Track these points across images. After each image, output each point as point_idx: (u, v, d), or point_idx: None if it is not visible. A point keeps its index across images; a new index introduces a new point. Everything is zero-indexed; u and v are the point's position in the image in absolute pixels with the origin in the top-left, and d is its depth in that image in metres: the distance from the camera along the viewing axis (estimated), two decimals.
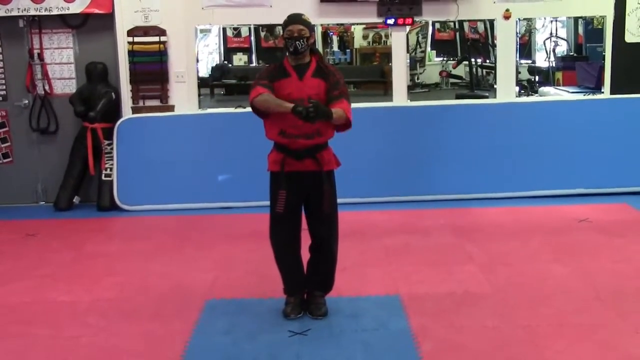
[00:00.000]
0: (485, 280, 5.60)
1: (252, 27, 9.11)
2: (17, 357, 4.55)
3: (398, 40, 8.52)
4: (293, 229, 4.93)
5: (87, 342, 4.72)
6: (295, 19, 4.81)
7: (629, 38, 8.49)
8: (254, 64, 10.14)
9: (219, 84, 9.73)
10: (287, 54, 4.83)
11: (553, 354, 4.31)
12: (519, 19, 8.53)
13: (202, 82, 8.75)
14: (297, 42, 4.72)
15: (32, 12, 8.22)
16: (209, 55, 9.19)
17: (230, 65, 10.03)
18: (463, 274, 5.76)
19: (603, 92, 8.63)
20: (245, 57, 10.13)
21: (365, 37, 9.86)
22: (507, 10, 8.39)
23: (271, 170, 4.91)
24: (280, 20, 8.17)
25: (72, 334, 4.87)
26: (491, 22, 8.65)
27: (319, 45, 9.53)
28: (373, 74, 9.86)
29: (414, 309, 5.03)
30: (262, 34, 9.48)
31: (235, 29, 9.35)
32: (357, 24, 8.92)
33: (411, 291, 5.39)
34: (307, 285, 5.06)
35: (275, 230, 4.94)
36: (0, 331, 4.94)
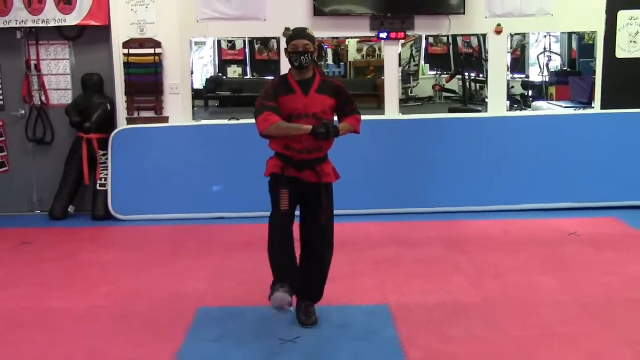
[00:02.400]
0: (474, 291, 5.65)
1: (246, 39, 9.17)
2: None
3: (390, 54, 8.60)
4: (290, 225, 4.94)
5: (83, 347, 4.77)
6: (300, 33, 4.86)
7: (620, 53, 8.57)
8: (248, 76, 10.17)
9: (213, 95, 9.77)
10: (291, 67, 4.87)
11: None
12: (510, 33, 8.61)
13: (196, 94, 8.81)
14: (302, 57, 4.76)
15: (30, 24, 8.29)
16: (203, 67, 9.24)
17: (224, 77, 10.07)
18: (452, 285, 5.81)
19: (594, 107, 8.68)
20: (239, 70, 10.14)
21: (359, 50, 9.90)
22: (499, 25, 8.48)
23: (271, 173, 4.95)
24: (274, 33, 8.42)
25: (67, 339, 4.92)
26: (483, 36, 8.70)
27: None
28: (366, 87, 9.91)
29: (403, 319, 5.08)
30: (257, 46, 9.53)
31: (229, 41, 9.41)
32: (351, 37, 9.00)
33: (400, 301, 5.43)
34: (297, 293, 5.08)
35: (275, 225, 4.88)
36: None
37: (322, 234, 5.02)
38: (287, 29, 4.96)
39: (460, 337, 4.79)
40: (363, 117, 8.34)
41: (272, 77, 5.09)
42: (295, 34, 4.85)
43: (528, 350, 4.55)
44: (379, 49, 9.17)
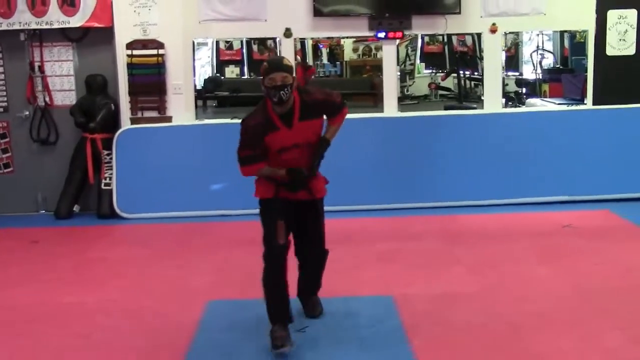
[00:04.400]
0: (473, 281, 5.79)
1: (244, 40, 9.26)
2: (31, 354, 4.72)
3: (389, 53, 8.72)
4: (286, 257, 4.61)
5: (96, 340, 4.88)
6: (277, 66, 4.42)
7: (610, 51, 8.69)
8: (245, 76, 10.16)
9: (212, 96, 9.78)
10: (272, 103, 4.46)
11: (536, 348, 4.49)
12: (505, 32, 8.72)
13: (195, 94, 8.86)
14: (281, 92, 4.35)
15: (33, 26, 8.33)
16: (201, 68, 9.28)
17: (222, 77, 10.09)
18: (451, 276, 5.95)
19: (586, 104, 8.79)
20: (237, 70, 10.12)
21: (355, 50, 9.92)
22: (494, 24, 8.60)
23: (263, 197, 4.71)
24: (274, 33, 8.52)
25: (81, 332, 5.01)
26: (478, 35, 8.80)
27: (310, 58, 9.69)
28: (363, 86, 9.94)
29: (406, 308, 5.20)
30: (255, 46, 9.60)
31: (227, 42, 9.48)
32: (350, 37, 9.10)
33: (403, 292, 5.55)
34: (299, 292, 5.13)
35: (271, 262, 4.55)
36: (13, 330, 5.11)
37: (318, 245, 4.96)
38: (266, 62, 4.54)
39: (460, 325, 4.90)
40: (361, 115, 8.55)
41: (250, 115, 4.64)
42: (272, 67, 4.40)
43: (525, 336, 4.67)
44: (375, 48, 9.23)
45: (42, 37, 8.59)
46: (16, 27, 8.36)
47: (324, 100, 4.72)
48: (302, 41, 8.92)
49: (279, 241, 4.52)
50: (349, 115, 8.57)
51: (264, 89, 4.42)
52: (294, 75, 4.51)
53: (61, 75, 8.74)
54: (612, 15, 8.66)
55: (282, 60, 4.51)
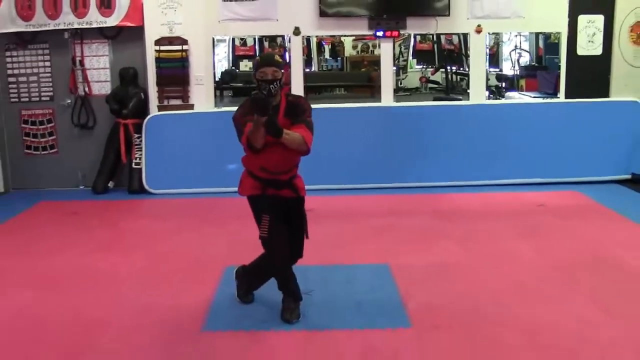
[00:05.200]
0: (460, 254, 5.72)
1: (256, 37, 9.15)
2: (73, 309, 4.70)
3: (386, 50, 8.65)
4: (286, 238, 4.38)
5: (130, 299, 4.86)
6: (268, 61, 4.16)
7: (580, 51, 8.61)
8: None
9: (228, 87, 9.76)
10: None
11: (514, 313, 4.45)
12: (488, 33, 8.65)
13: None
14: (270, 86, 4.09)
15: (76, 26, 8.30)
16: (219, 62, 9.20)
17: (237, 70, 10.06)
18: (441, 248, 5.88)
19: (559, 97, 8.74)
20: (250, 64, 10.12)
21: (354, 47, 9.87)
22: (479, 25, 8.52)
23: (250, 195, 4.40)
24: (284, 31, 8.43)
25: (114, 292, 5.00)
26: (464, 35, 8.72)
27: (314, 54, 9.60)
28: (361, 79, 9.90)
29: (401, 276, 5.14)
30: (266, 43, 9.51)
31: (242, 39, 9.40)
32: (351, 35, 9.01)
33: (398, 262, 5.49)
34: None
35: (277, 244, 4.36)
36: (55, 289, 5.09)
37: (302, 241, 4.53)
38: (259, 57, 4.08)
39: (448, 291, 4.87)
40: (362, 104, 8.52)
41: (238, 108, 4.28)
42: (263, 62, 4.15)
43: (504, 302, 4.64)
44: (372, 45, 9.17)
45: (82, 35, 8.54)
46: (61, 27, 8.34)
47: (301, 104, 4.31)
48: (308, 39, 8.81)
49: (262, 234, 4.27)
50: (351, 105, 8.53)
51: (255, 81, 4.16)
52: (284, 71, 4.25)
53: (98, 68, 8.69)
54: (582, 19, 8.58)
55: (274, 56, 4.27)
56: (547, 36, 9.10)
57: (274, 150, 4.16)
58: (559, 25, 8.62)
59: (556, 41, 8.81)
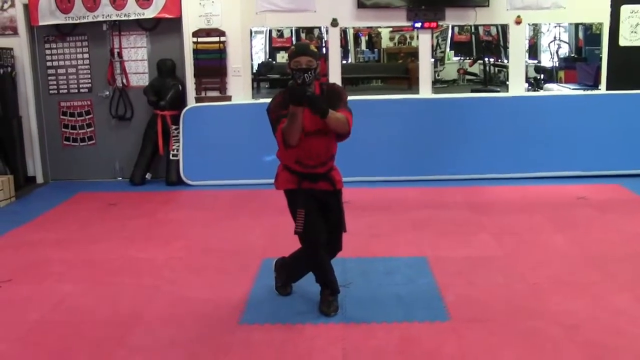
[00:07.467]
0: (497, 246, 5.71)
1: (293, 29, 9.20)
2: (111, 300, 4.77)
3: (424, 41, 8.63)
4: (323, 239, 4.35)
5: (165, 291, 4.91)
6: (303, 50, 4.09)
7: (623, 42, 8.52)
8: None
9: (265, 78, 9.82)
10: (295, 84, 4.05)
11: (552, 306, 4.43)
12: (528, 24, 8.60)
13: None
14: (305, 75, 4.00)
15: (114, 18, 8.39)
16: (255, 55, 9.26)
17: (274, 62, 10.12)
18: (478, 241, 5.87)
19: (600, 89, 8.65)
20: (287, 55, 10.14)
21: (391, 38, 9.88)
22: (519, 16, 8.47)
23: (286, 189, 4.37)
24: (322, 22, 8.49)
25: (152, 283, 5.05)
26: (503, 26, 8.69)
27: (351, 46, 9.62)
28: (397, 71, 9.91)
29: (438, 269, 5.16)
30: (303, 35, 9.55)
31: (278, 30, 9.45)
32: (390, 27, 9.01)
33: (435, 254, 5.50)
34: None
35: (313, 245, 4.35)
36: (94, 280, 5.17)
37: (339, 236, 4.51)
38: (294, 46, 4.16)
39: (485, 284, 4.87)
40: (399, 96, 8.52)
41: (273, 98, 4.26)
42: (298, 51, 4.09)
43: (542, 295, 4.62)
44: (409, 37, 9.17)
45: (120, 27, 8.64)
46: (100, 19, 8.43)
47: (336, 89, 4.31)
48: (344, 30, 8.83)
49: (297, 229, 4.26)
50: (388, 96, 8.52)
51: (290, 70, 4.10)
52: (319, 61, 4.17)
53: (136, 60, 8.80)
54: (625, 9, 8.49)
55: (309, 46, 4.21)
56: (587, 27, 9.03)
57: (310, 142, 4.15)
58: (601, 15, 8.54)
59: (597, 32, 8.73)
